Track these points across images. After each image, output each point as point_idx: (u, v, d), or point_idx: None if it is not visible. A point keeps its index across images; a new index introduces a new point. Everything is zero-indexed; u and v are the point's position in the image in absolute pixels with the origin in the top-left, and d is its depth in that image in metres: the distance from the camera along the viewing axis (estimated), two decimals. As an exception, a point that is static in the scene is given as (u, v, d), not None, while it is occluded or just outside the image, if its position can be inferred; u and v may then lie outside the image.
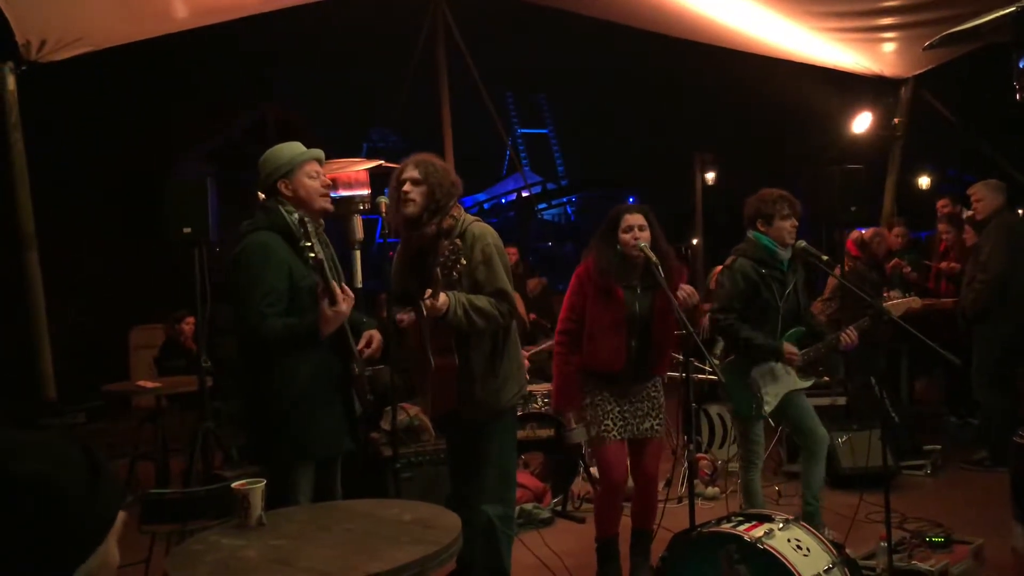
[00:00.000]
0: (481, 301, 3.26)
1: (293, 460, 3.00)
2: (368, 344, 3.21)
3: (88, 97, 9.87)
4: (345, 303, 2.91)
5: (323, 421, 3.05)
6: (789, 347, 3.98)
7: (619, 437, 3.79)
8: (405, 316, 3.35)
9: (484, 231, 3.39)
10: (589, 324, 3.79)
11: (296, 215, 2.96)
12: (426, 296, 3.08)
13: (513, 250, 9.42)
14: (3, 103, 5.32)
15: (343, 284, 3.02)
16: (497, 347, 3.40)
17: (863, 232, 6.57)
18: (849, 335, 4.01)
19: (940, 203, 7.03)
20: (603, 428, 3.78)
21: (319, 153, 3.21)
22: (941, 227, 6.75)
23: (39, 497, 0.98)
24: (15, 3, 4.92)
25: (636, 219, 3.73)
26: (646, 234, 3.72)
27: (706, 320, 5.76)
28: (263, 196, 3.18)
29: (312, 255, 2.83)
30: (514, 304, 3.40)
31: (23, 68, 5.34)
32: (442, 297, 3.11)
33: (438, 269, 3.10)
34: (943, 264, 6.62)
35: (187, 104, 11.77)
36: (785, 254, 4.05)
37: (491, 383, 3.37)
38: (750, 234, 4.12)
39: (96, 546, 1.04)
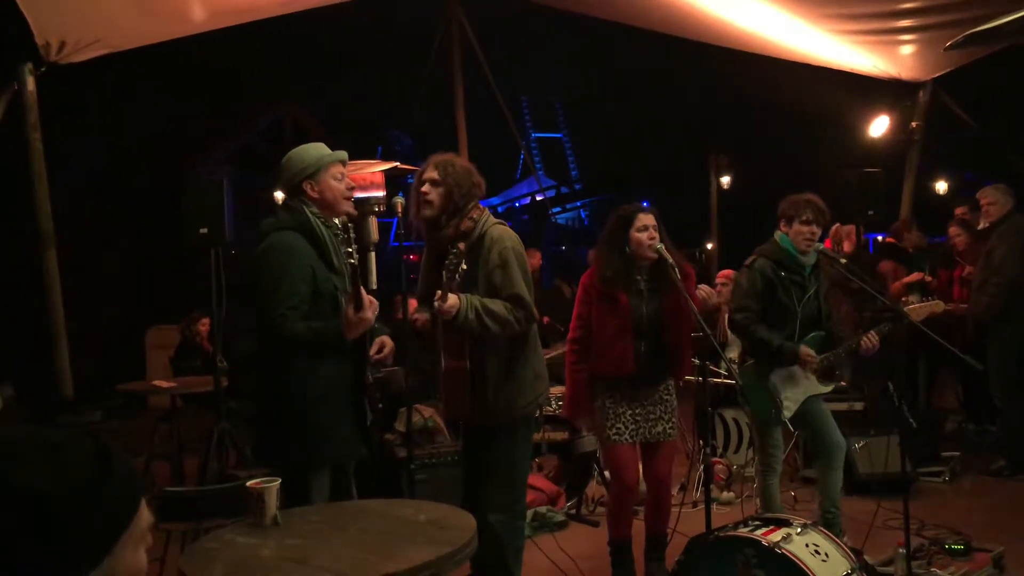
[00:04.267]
0: (496, 305, 3.18)
1: (308, 465, 2.98)
2: (380, 350, 3.17)
3: (107, 99, 9.96)
4: (371, 310, 2.89)
5: (339, 426, 3.03)
6: (806, 350, 3.93)
7: (631, 440, 3.76)
8: (420, 316, 3.34)
9: (503, 234, 3.30)
10: (596, 331, 3.76)
11: (339, 221, 2.96)
12: (436, 298, 3.07)
13: (537, 253, 9.44)
14: (23, 104, 5.36)
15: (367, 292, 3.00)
16: (514, 353, 3.32)
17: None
18: (870, 339, 3.95)
19: (959, 210, 6.97)
20: (615, 431, 3.74)
21: (343, 155, 3.18)
22: (952, 231, 6.67)
23: (28, 510, 0.95)
24: (35, 5, 4.96)
25: (651, 219, 3.71)
26: (657, 235, 3.71)
27: (723, 323, 5.74)
28: (281, 196, 3.17)
29: (351, 261, 2.83)
30: (531, 310, 3.28)
31: (42, 69, 5.38)
32: (451, 299, 3.07)
33: (444, 272, 3.08)
34: (966, 269, 6.52)
35: (206, 106, 11.84)
36: (807, 260, 4.01)
37: (505, 389, 3.29)
38: (776, 235, 4.09)
39: (95, 564, 1.00)
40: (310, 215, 3.02)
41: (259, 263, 3.01)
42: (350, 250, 2.86)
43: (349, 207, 3.14)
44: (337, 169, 3.12)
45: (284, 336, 2.89)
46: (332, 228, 3.05)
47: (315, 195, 3.07)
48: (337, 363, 3.02)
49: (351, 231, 2.91)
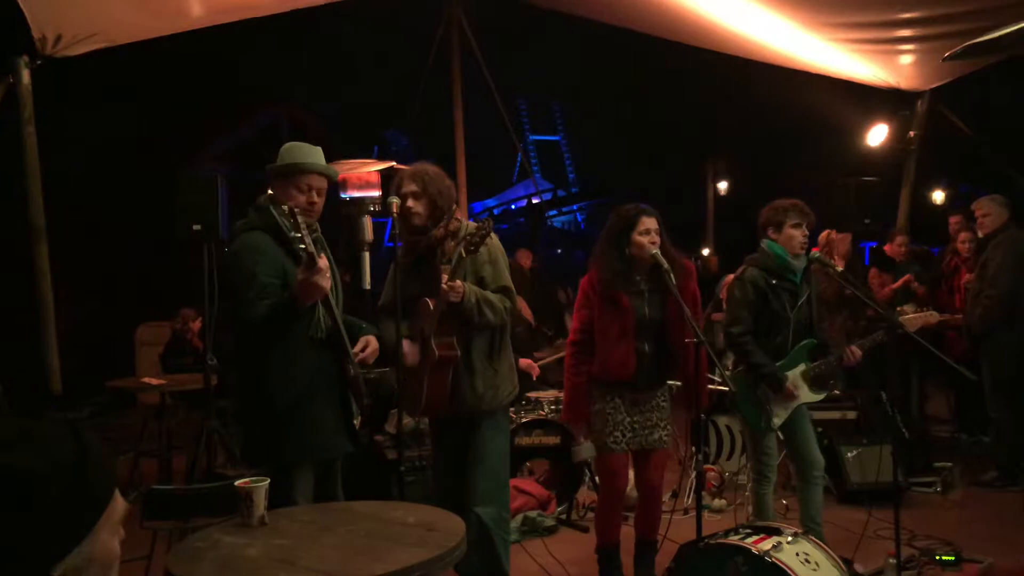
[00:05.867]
0: (491, 295, 3.36)
1: (291, 462, 2.97)
2: (364, 348, 3.17)
3: (102, 93, 9.91)
4: (323, 274, 2.82)
5: (321, 423, 3.02)
6: (790, 388, 3.91)
7: (627, 448, 3.75)
8: (411, 351, 3.39)
9: None
10: (598, 333, 3.74)
11: (287, 207, 2.87)
12: (443, 281, 3.18)
13: (529, 254, 9.43)
14: (17, 97, 5.31)
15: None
16: (494, 345, 3.48)
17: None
18: (853, 353, 3.94)
19: (953, 219, 6.97)
20: (611, 439, 3.73)
21: (328, 170, 3.18)
22: (963, 235, 6.64)
23: (8, 491, 0.96)
24: (32, -2, 4.93)
25: (653, 223, 3.69)
26: (658, 239, 3.69)
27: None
28: (269, 191, 3.16)
29: (303, 247, 2.77)
30: (516, 302, 3.49)
31: (38, 63, 5.33)
32: (458, 282, 3.22)
33: (462, 247, 3.22)
34: (967, 278, 6.51)
35: (202, 102, 11.80)
36: (798, 264, 3.99)
37: (489, 378, 3.42)
38: (763, 243, 4.07)
39: (76, 542, 1.01)
40: (276, 215, 2.99)
41: (229, 264, 3.03)
42: (299, 235, 2.78)
43: (307, 219, 3.06)
44: (306, 180, 3.08)
45: (250, 321, 2.88)
46: (302, 216, 2.94)
47: (277, 196, 3.07)
48: (318, 359, 3.00)
49: (298, 216, 2.80)
